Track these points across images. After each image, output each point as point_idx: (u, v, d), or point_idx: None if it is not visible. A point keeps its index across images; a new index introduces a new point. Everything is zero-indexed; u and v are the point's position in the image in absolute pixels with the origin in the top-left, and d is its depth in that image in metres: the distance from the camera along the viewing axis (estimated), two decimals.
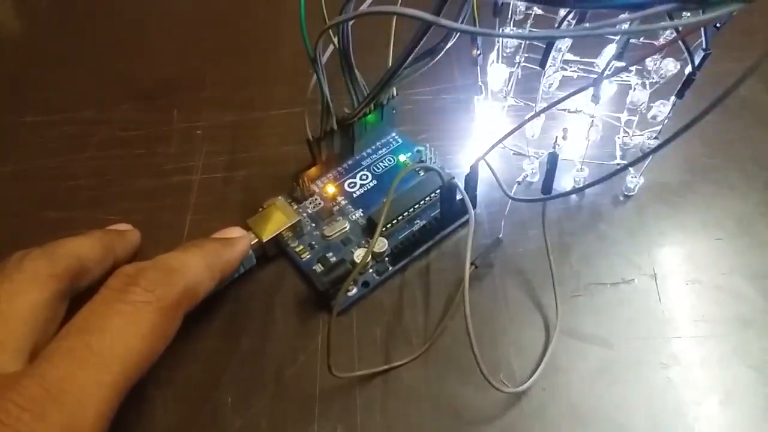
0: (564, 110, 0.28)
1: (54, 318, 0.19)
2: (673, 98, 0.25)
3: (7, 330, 0.17)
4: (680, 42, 0.22)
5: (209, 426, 0.25)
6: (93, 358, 0.16)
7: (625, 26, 0.20)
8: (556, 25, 0.28)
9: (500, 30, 0.30)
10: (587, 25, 0.28)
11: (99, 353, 0.17)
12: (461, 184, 0.28)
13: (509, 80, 0.30)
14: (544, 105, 0.27)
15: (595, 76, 0.29)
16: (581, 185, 0.31)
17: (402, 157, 0.33)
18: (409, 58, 0.22)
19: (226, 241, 0.25)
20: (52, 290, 0.19)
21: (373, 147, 0.34)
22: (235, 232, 0.27)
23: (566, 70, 0.29)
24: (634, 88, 0.30)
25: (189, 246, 0.23)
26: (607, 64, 0.24)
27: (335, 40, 0.25)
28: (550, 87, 0.29)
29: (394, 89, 0.30)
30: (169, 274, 0.20)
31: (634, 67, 0.30)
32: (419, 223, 0.30)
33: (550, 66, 0.28)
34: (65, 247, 0.21)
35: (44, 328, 0.19)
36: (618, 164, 0.30)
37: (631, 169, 0.30)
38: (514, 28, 0.30)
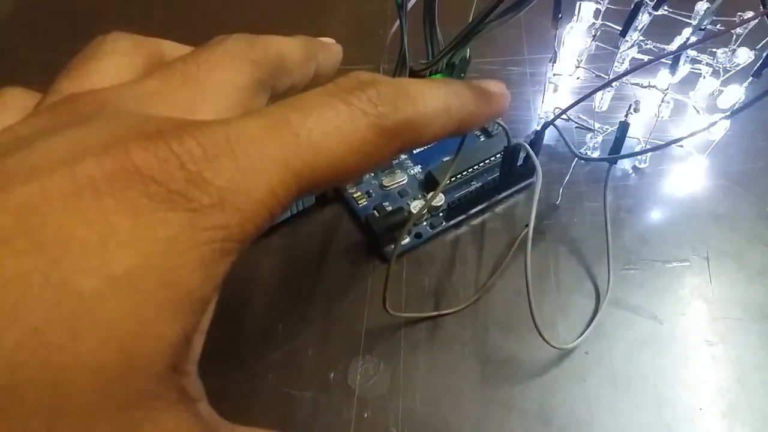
0: (636, 84, 0.29)
1: (248, 108, 0.17)
2: (750, 78, 0.26)
3: (201, 96, 0.16)
4: (765, 17, 0.22)
5: (259, 346, 0.26)
6: (286, 132, 0.14)
7: None
8: (633, 6, 0.28)
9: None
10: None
11: (295, 131, 0.14)
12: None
13: (583, 52, 0.30)
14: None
15: (667, 60, 0.29)
16: (645, 162, 0.31)
17: None
18: (496, 9, 0.23)
19: (480, 91, 0.21)
20: (249, 75, 0.17)
21: None
22: (494, 86, 0.21)
23: (641, 47, 0.29)
24: (704, 76, 0.30)
25: (437, 81, 0.19)
26: (692, 33, 0.24)
27: None
28: (622, 64, 0.30)
29: (468, 51, 0.31)
30: (401, 97, 0.16)
31: (705, 56, 0.31)
32: (476, 184, 0.31)
33: (624, 41, 0.28)
34: (267, 38, 0.19)
35: (237, 111, 0.16)
36: (681, 146, 0.30)
37: (694, 152, 0.30)
38: (591, 2, 0.30)
